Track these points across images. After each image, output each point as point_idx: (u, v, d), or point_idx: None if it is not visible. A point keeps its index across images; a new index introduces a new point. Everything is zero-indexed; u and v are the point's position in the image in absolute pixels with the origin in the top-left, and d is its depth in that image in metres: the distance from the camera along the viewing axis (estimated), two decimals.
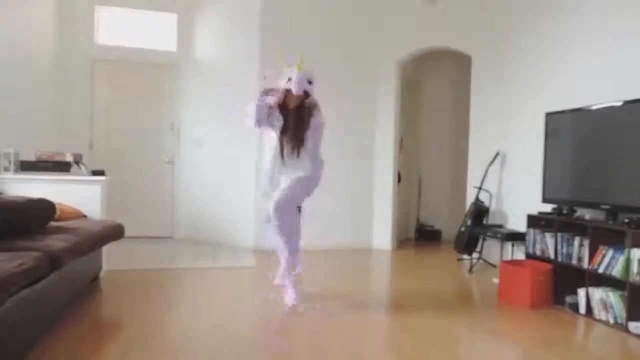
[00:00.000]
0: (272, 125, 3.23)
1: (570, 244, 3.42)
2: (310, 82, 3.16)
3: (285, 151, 3.25)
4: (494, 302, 3.58)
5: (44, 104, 5.19)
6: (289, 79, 3.11)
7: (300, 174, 3.23)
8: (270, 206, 3.16)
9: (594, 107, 3.42)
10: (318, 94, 3.29)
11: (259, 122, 3.16)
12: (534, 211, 3.84)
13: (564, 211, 3.55)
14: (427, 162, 6.69)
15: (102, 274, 3.86)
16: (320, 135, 3.26)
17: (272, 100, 3.13)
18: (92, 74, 5.80)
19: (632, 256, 2.89)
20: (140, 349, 2.44)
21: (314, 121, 3.18)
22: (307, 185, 3.28)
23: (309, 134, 3.22)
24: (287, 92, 3.14)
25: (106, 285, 3.71)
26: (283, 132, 3.23)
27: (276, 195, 3.18)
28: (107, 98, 5.87)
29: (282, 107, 3.20)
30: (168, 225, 6.08)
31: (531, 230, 3.79)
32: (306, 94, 3.18)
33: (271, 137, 3.31)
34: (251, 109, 3.14)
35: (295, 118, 3.21)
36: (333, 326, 2.94)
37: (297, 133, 3.21)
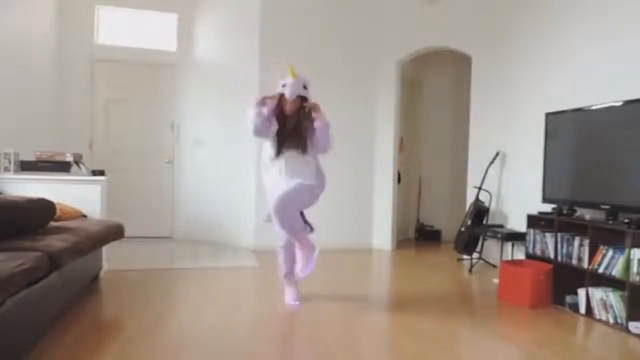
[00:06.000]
0: (270, 135, 3.14)
1: (570, 244, 3.42)
2: (305, 87, 3.10)
3: (285, 155, 3.15)
4: (494, 302, 3.58)
5: (44, 104, 5.19)
6: (283, 85, 3.06)
7: (302, 180, 3.09)
8: (270, 206, 3.06)
9: (594, 107, 3.42)
10: (318, 96, 3.23)
11: (257, 132, 3.10)
12: (534, 211, 3.85)
13: (564, 211, 3.55)
14: (427, 162, 6.69)
15: (102, 274, 3.87)
16: (326, 136, 3.10)
17: (266, 110, 3.05)
18: (92, 74, 5.80)
19: (632, 256, 2.90)
20: (140, 349, 2.44)
21: (317, 124, 3.04)
22: (312, 194, 3.17)
23: (314, 140, 3.10)
24: (282, 97, 3.08)
25: (106, 285, 3.71)
26: (281, 138, 3.14)
27: (276, 194, 3.05)
28: (107, 98, 5.88)
29: (281, 113, 3.13)
30: (168, 225, 6.09)
31: (531, 230, 3.79)
32: (303, 99, 3.10)
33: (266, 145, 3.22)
34: (250, 116, 3.07)
35: (294, 123, 3.13)
36: (333, 326, 2.94)
37: (295, 138, 3.12)
